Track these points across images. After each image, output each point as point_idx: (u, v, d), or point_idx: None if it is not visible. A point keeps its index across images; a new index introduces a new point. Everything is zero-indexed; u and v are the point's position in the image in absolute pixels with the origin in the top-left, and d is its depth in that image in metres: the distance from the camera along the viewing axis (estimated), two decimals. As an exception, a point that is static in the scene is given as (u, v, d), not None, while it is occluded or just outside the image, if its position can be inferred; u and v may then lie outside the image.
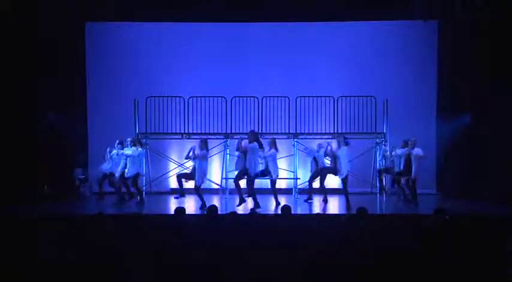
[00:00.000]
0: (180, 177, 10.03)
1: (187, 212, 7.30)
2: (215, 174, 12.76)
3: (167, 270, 4.66)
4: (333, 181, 11.40)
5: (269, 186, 10.21)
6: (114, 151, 10.75)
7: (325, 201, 10.64)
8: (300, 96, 12.45)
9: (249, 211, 8.24)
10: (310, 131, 12.44)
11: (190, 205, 10.06)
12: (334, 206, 10.56)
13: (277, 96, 12.57)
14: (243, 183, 9.76)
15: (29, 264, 4.70)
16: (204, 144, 9.73)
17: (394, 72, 13.00)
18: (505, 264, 4.71)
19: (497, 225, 6.60)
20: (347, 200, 9.86)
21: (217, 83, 12.98)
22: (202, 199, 9.61)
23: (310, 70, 13.19)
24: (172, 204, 10.06)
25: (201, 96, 12.56)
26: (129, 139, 10.66)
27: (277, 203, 9.90)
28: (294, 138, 12.20)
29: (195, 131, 12.59)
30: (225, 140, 12.22)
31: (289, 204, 7.18)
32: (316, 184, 10.81)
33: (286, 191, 12.34)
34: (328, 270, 4.63)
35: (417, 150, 10.13)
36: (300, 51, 13.26)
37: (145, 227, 6.02)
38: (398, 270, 4.64)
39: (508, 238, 5.11)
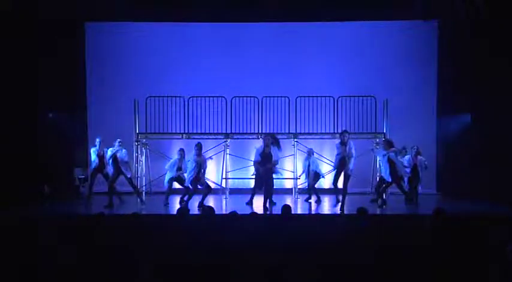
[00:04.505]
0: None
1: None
2: (215, 174, 12.74)
3: (167, 270, 4.66)
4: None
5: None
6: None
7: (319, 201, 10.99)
8: (300, 96, 12.43)
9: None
10: (310, 131, 12.44)
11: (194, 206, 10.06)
12: (333, 206, 10.55)
13: (277, 96, 12.56)
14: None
15: (29, 264, 4.70)
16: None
17: (394, 72, 13.00)
18: (505, 264, 4.71)
19: (497, 225, 6.60)
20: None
21: (217, 83, 12.97)
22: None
23: (310, 70, 13.19)
24: (173, 205, 10.04)
25: (201, 96, 12.54)
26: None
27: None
28: (294, 138, 12.19)
29: (195, 131, 12.58)
30: (225, 140, 12.21)
31: (289, 204, 7.17)
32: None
33: (286, 191, 12.35)
34: (328, 270, 4.63)
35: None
36: (300, 51, 13.26)
37: (146, 227, 6.02)
38: (398, 270, 4.64)
39: (508, 238, 5.11)
